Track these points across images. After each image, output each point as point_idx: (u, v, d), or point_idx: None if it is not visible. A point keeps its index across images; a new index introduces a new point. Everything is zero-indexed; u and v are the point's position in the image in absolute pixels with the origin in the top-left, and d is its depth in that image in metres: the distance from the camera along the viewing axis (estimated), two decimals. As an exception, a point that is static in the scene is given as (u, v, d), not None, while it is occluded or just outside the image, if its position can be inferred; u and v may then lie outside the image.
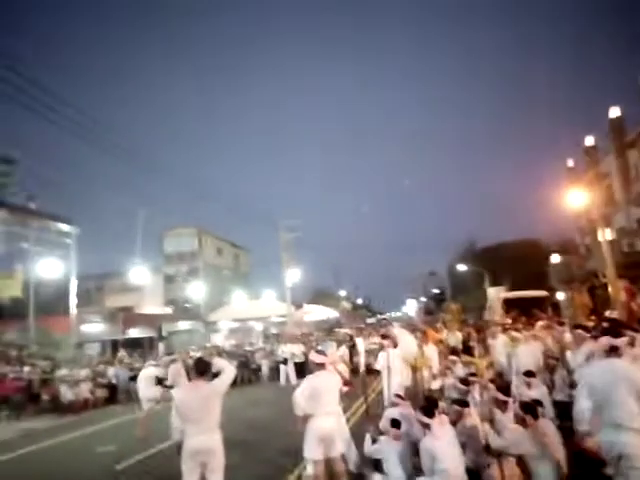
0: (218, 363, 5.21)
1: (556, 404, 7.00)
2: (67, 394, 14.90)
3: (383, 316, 71.00)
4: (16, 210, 20.18)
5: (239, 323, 32.94)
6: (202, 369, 4.83)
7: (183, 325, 33.34)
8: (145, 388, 9.56)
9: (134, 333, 26.87)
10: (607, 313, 12.36)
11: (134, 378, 16.26)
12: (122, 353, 20.58)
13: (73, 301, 19.10)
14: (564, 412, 6.15)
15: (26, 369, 15.95)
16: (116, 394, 16.17)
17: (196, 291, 35.61)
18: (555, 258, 29.93)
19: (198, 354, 14.30)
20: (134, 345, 24.93)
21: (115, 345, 24.75)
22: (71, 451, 9.64)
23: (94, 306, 30.18)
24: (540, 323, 10.10)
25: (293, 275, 28.43)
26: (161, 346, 26.48)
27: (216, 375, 4.91)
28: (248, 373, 18.06)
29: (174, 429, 6.80)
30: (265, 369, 18.77)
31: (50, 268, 20.32)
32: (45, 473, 7.99)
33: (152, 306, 35.03)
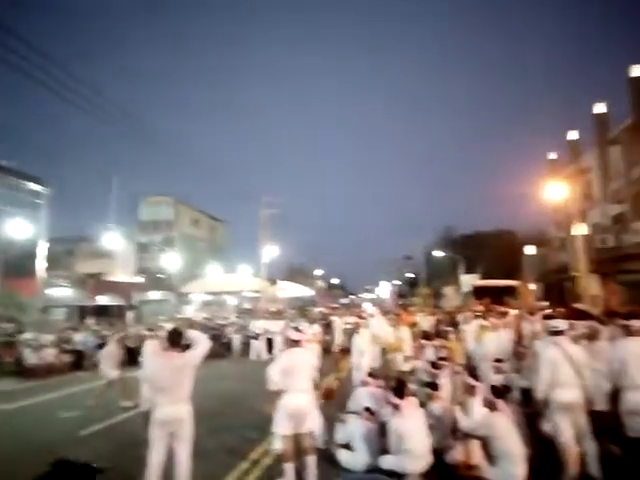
0: (192, 335, 5.10)
1: (522, 391, 7.14)
2: (31, 358, 14.56)
3: (356, 297, 71.86)
4: (-17, 166, 19.31)
5: (212, 296, 32.72)
6: (176, 339, 4.77)
7: (154, 295, 32.96)
8: (107, 366, 9.49)
9: (103, 300, 26.44)
10: (575, 306, 12.67)
11: (102, 346, 16.05)
12: (90, 320, 20.22)
13: (41, 264, 18.49)
14: (529, 398, 6.28)
15: (-12, 330, 15.50)
16: (82, 361, 15.90)
17: (170, 261, 35.12)
18: (530, 250, 30.42)
19: (169, 325, 14.13)
20: (102, 312, 24.52)
21: (83, 311, 24.31)
22: (34, 415, 9.43)
23: (63, 270, 29.49)
24: (513, 312, 10.27)
25: (270, 251, 28.29)
26: (130, 315, 26.16)
27: (188, 346, 4.82)
28: (219, 347, 17.97)
29: (143, 399, 6.71)
30: (236, 343, 18.73)
31: (18, 228, 19.58)
32: (5, 436, 7.78)
33: (123, 274, 34.46)
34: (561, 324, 5.39)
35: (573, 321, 6.83)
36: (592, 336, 6.36)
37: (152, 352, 7.02)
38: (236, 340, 18.78)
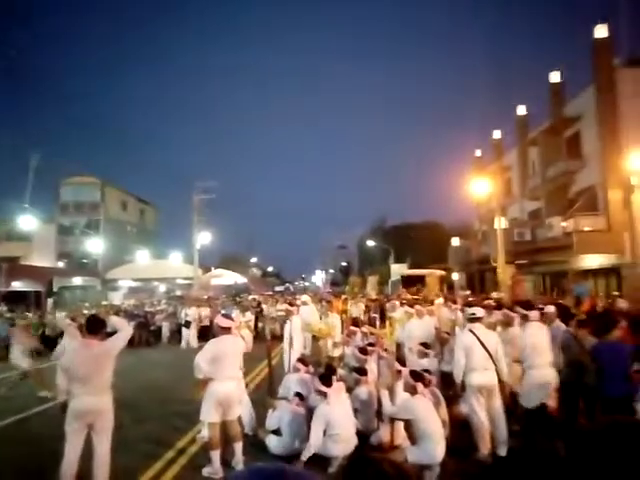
0: (114, 322, 4.89)
1: (443, 374, 7.55)
2: None
3: (292, 284, 72.27)
4: None
5: (141, 283, 31.47)
6: (95, 327, 4.55)
7: (78, 281, 31.12)
8: (18, 357, 8.95)
9: (18, 286, 24.57)
10: (494, 294, 13.58)
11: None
12: (1, 307, 18.77)
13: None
14: (449, 382, 6.66)
15: None
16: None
17: (95, 246, 33.22)
18: (455, 241, 32.06)
19: (92, 312, 13.43)
20: (17, 299, 22.82)
21: (-6, 297, 22.45)
22: None
23: (-29, 253, 27.03)
24: (438, 301, 10.81)
25: (203, 238, 27.61)
26: (50, 302, 24.56)
27: (111, 334, 4.62)
28: (147, 334, 17.36)
29: (59, 390, 6.38)
30: (166, 331, 18.16)
31: None
32: None
33: (42, 258, 32.23)
34: (478, 312, 5.78)
35: (491, 309, 7.35)
36: (506, 323, 6.86)
37: (70, 340, 6.67)
38: (165, 327, 18.23)
